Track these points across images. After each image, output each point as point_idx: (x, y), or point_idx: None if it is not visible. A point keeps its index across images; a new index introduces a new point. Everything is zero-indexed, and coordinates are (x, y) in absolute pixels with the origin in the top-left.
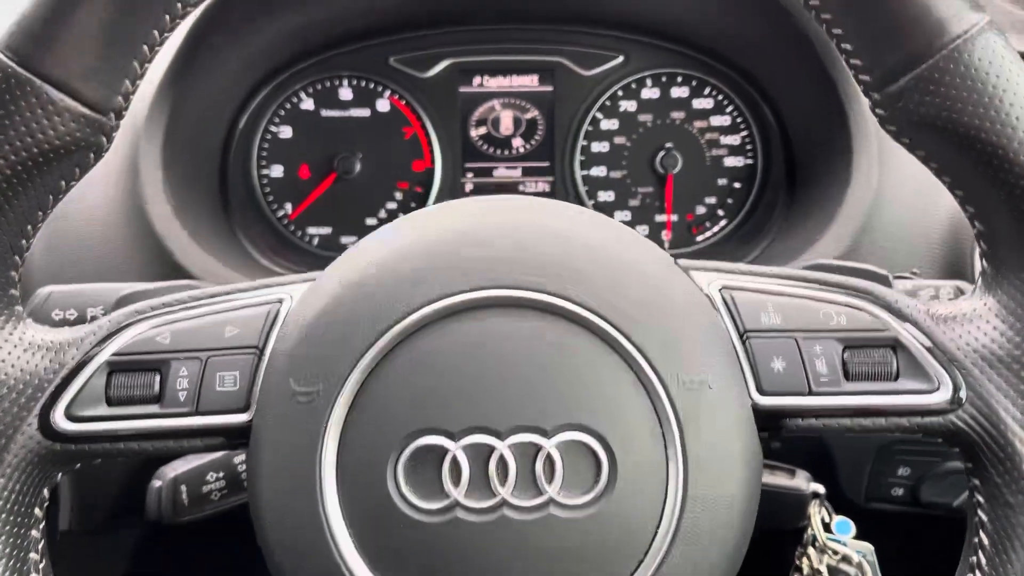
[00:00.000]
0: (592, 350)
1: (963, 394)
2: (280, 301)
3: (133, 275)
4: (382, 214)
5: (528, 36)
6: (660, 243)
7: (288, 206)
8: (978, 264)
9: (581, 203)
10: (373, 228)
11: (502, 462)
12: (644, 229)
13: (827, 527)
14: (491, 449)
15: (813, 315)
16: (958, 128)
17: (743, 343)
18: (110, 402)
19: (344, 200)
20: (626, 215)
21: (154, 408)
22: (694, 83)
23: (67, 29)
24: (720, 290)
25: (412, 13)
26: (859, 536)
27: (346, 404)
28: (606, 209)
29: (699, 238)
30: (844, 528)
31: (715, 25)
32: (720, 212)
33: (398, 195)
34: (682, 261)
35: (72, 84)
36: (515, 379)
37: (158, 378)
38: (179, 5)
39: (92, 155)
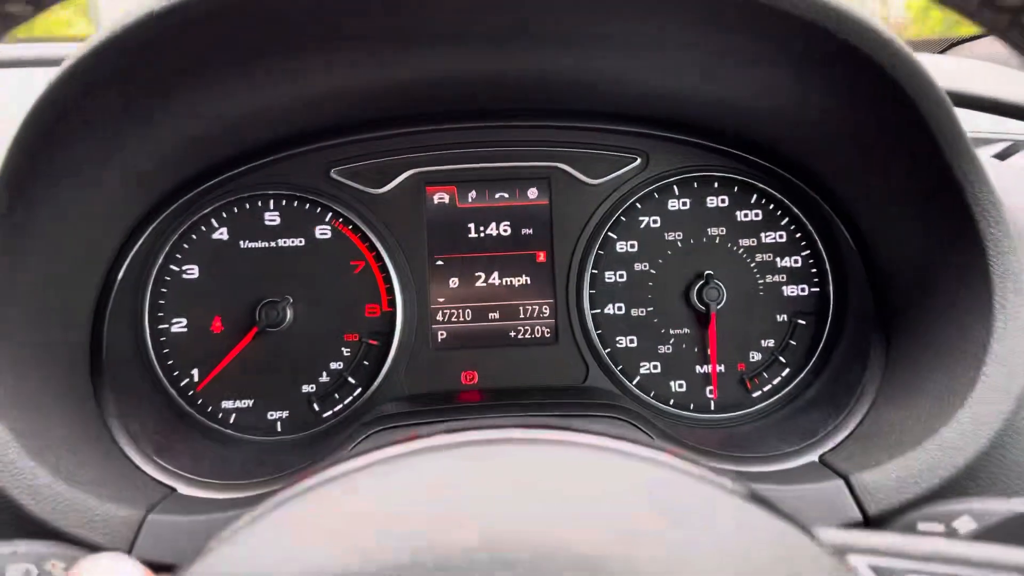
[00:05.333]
0: None
1: None
2: None
3: None
4: (323, 378)
5: (517, 136)
6: (705, 403)
7: (195, 373)
8: None
9: (593, 351)
10: (309, 397)
11: None
12: (681, 384)
13: None
14: None
15: None
16: None
17: None
18: None
19: (272, 362)
20: (655, 366)
21: None
22: (736, 188)
23: None
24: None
25: (362, 110)
26: None
27: None
28: (627, 359)
29: (756, 394)
30: None
31: (771, 108)
32: (782, 359)
33: (346, 351)
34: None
35: None
36: None
37: None
38: None
39: None
